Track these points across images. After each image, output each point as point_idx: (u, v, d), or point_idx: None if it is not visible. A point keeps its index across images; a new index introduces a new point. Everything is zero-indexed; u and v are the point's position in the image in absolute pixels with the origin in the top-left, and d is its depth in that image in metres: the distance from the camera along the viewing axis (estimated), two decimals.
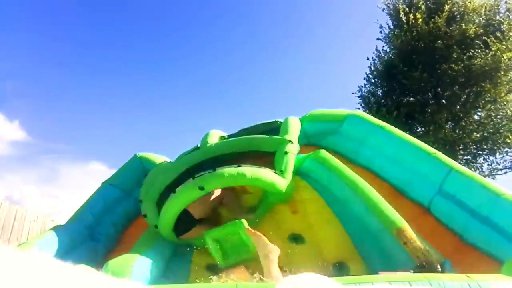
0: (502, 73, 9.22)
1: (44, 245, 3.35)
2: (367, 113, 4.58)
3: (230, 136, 4.33)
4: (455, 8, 9.98)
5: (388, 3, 10.89)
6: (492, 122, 9.70)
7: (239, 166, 3.34)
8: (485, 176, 9.39)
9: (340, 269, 3.09)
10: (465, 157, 9.82)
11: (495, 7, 9.87)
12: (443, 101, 10.12)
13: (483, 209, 2.87)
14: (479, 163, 10.01)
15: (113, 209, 4.19)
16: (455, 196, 3.11)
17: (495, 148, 9.66)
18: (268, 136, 3.93)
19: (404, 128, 3.97)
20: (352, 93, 11.59)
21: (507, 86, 9.43)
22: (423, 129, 10.09)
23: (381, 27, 11.03)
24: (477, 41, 9.48)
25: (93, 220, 3.97)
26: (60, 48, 21.74)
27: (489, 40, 9.17)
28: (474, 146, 9.86)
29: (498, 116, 9.72)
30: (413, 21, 9.99)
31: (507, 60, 9.05)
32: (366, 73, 11.35)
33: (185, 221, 3.50)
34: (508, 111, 9.56)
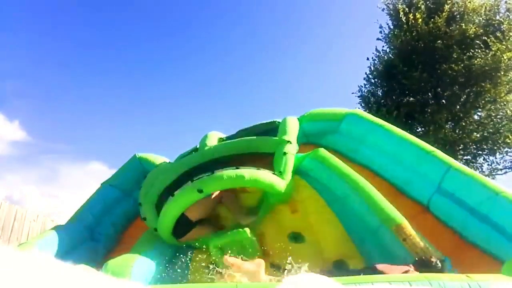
0: (502, 73, 9.22)
1: (44, 245, 3.35)
2: (368, 113, 4.57)
3: (228, 137, 4.32)
4: (455, 8, 9.98)
5: (388, 3, 10.90)
6: (492, 122, 9.69)
7: (237, 168, 3.34)
8: (485, 176, 9.36)
9: (340, 267, 3.10)
10: (465, 157, 9.82)
11: (495, 7, 9.87)
12: (443, 101, 10.12)
13: (482, 207, 2.87)
14: (479, 163, 10.02)
15: (113, 209, 4.19)
16: (454, 194, 3.11)
17: (495, 148, 9.66)
18: (266, 137, 3.93)
19: (404, 128, 3.97)
20: (352, 93, 11.61)
21: (507, 86, 9.43)
22: (423, 129, 10.09)
23: (381, 27, 11.04)
24: (477, 41, 9.48)
25: (93, 221, 3.98)
26: (60, 48, 21.75)
27: (489, 40, 9.17)
28: (474, 146, 9.86)
29: (498, 116, 9.72)
30: (413, 21, 9.99)
31: (507, 60, 9.05)
32: (366, 73, 11.36)
33: (184, 223, 3.50)
34: (508, 111, 9.55)
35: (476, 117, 10.03)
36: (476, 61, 9.23)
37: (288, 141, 3.74)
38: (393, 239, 2.89)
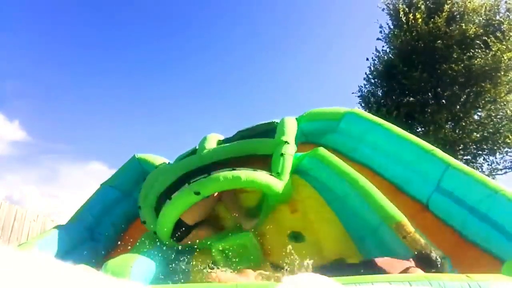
0: (502, 73, 9.21)
1: (44, 245, 3.36)
2: (368, 113, 4.57)
3: (227, 139, 4.32)
4: (455, 8, 9.97)
5: (388, 3, 10.89)
6: (492, 122, 9.69)
7: (234, 169, 3.34)
8: None
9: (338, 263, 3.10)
10: (465, 157, 9.81)
11: (495, 7, 9.86)
12: (443, 101, 10.12)
13: (482, 206, 2.87)
14: (479, 163, 10.01)
15: (113, 210, 4.21)
16: (453, 192, 3.11)
17: (495, 148, 9.65)
18: (264, 139, 3.93)
19: (404, 128, 3.97)
20: (352, 93, 11.60)
21: (507, 86, 9.42)
22: (423, 129, 10.09)
23: (381, 27, 11.04)
24: (477, 41, 9.47)
25: (93, 221, 3.99)
26: (60, 48, 21.75)
27: (489, 40, 9.17)
28: (474, 146, 9.85)
29: (498, 116, 9.71)
30: (413, 21, 9.99)
31: (507, 60, 9.05)
32: (366, 73, 11.36)
33: (182, 227, 3.50)
34: (508, 111, 9.55)
35: (476, 117, 10.03)
36: (476, 61, 9.23)
37: (286, 142, 3.74)
38: (393, 237, 2.89)
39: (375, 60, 11.22)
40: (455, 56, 9.49)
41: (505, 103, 9.57)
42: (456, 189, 3.10)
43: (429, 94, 10.34)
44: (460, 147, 9.75)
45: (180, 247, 3.61)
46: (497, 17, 9.78)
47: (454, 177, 3.14)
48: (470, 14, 9.79)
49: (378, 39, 11.18)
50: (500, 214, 2.74)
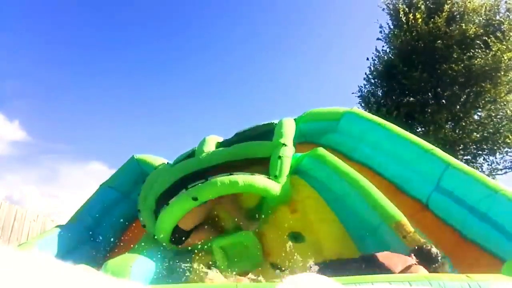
0: (502, 73, 9.21)
1: (44, 245, 3.36)
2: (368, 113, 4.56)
3: (225, 141, 4.31)
4: (455, 8, 9.97)
5: (388, 3, 10.88)
6: (492, 122, 9.68)
7: (231, 174, 3.34)
8: None
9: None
10: (465, 157, 9.80)
11: (495, 7, 9.86)
12: (443, 101, 10.11)
13: (481, 205, 2.87)
14: (479, 163, 10.00)
15: (112, 210, 4.22)
16: (453, 192, 3.12)
17: (495, 148, 9.64)
18: (261, 142, 3.92)
19: (404, 128, 3.96)
20: (352, 93, 11.58)
21: (507, 86, 9.42)
22: (423, 129, 10.08)
23: (381, 27, 11.03)
24: (477, 41, 9.47)
25: (93, 222, 4.00)
26: (60, 48, 21.75)
27: (489, 40, 9.16)
28: (474, 146, 9.85)
29: (498, 116, 9.70)
30: (413, 21, 9.99)
31: (507, 60, 9.04)
32: (366, 73, 11.34)
33: (180, 232, 3.50)
34: (508, 111, 9.54)
35: (476, 117, 10.03)
36: (476, 61, 9.23)
37: (284, 144, 3.73)
38: (393, 236, 2.90)
39: (375, 60, 11.21)
40: (455, 56, 9.48)
41: (505, 103, 9.56)
42: (456, 188, 3.10)
43: (429, 94, 10.34)
44: (460, 147, 9.74)
45: (180, 247, 3.61)
46: (497, 17, 9.78)
47: (454, 176, 3.14)
48: (470, 14, 9.78)
49: (378, 39, 11.18)
50: (500, 214, 2.74)
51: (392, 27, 10.85)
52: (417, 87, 9.98)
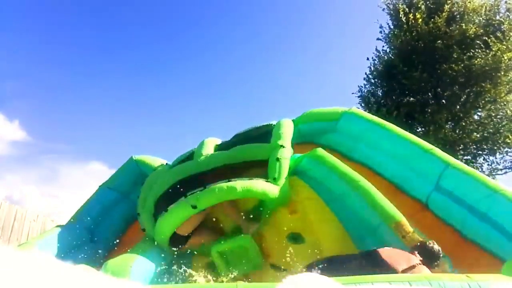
0: (502, 73, 9.21)
1: (44, 245, 3.36)
2: (367, 113, 4.56)
3: (224, 143, 4.29)
4: (455, 8, 9.96)
5: (388, 3, 10.88)
6: (492, 122, 9.68)
7: (229, 180, 3.34)
8: None
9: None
10: (465, 157, 9.79)
11: (495, 7, 9.86)
12: (443, 101, 10.11)
13: (481, 205, 2.87)
14: (479, 163, 9.99)
15: (111, 211, 4.24)
16: (453, 192, 3.11)
17: (495, 148, 9.64)
18: (259, 144, 3.90)
19: (404, 128, 3.96)
20: (352, 93, 11.58)
21: (507, 86, 9.41)
22: (423, 129, 10.08)
23: (381, 27, 11.02)
24: (477, 41, 9.46)
25: (92, 222, 4.01)
26: (60, 48, 21.74)
27: (489, 40, 9.16)
28: (474, 146, 9.84)
29: (498, 116, 9.70)
30: (413, 21, 9.98)
31: (507, 60, 9.04)
32: (366, 73, 11.34)
33: (179, 236, 3.49)
34: (508, 111, 9.54)
35: (476, 117, 10.02)
36: (476, 61, 9.22)
37: (282, 146, 3.72)
38: (393, 236, 2.90)
39: (375, 60, 11.21)
40: (455, 56, 9.48)
41: (505, 103, 9.56)
42: (456, 188, 3.10)
43: (429, 94, 10.33)
44: (460, 147, 9.74)
45: (179, 250, 3.61)
46: (497, 17, 9.77)
47: (454, 176, 3.14)
48: (470, 14, 9.78)
49: (378, 39, 11.17)
50: (500, 214, 2.74)
51: (392, 27, 10.84)
52: (417, 87, 9.98)
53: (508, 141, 9.33)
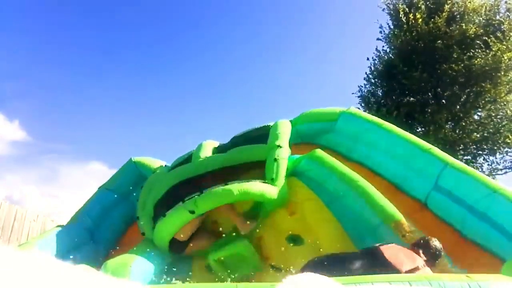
0: (502, 73, 9.21)
1: (44, 245, 3.36)
2: (368, 113, 4.56)
3: (222, 145, 4.28)
4: (455, 8, 9.96)
5: (388, 3, 10.88)
6: (492, 122, 9.68)
7: (226, 184, 3.32)
8: None
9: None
10: (465, 157, 9.79)
11: (495, 7, 9.85)
12: (443, 101, 10.11)
13: (480, 205, 2.86)
14: (479, 163, 9.99)
15: (111, 212, 4.25)
16: (452, 191, 3.11)
17: (495, 148, 9.64)
18: (256, 145, 3.89)
19: (404, 128, 3.95)
20: (352, 93, 11.58)
21: (507, 86, 9.41)
22: (423, 129, 10.08)
23: (381, 27, 11.02)
24: (477, 41, 9.46)
25: (92, 223, 4.02)
26: (60, 49, 21.75)
27: (489, 40, 9.16)
28: (474, 146, 9.84)
29: (498, 116, 9.70)
30: (413, 21, 9.98)
31: (507, 60, 9.04)
32: (366, 73, 11.34)
33: (178, 242, 3.48)
34: (508, 111, 9.54)
35: (476, 117, 10.02)
36: (476, 61, 9.22)
37: (279, 146, 3.70)
38: (393, 236, 2.89)
39: (375, 60, 11.21)
40: (455, 56, 9.48)
41: (505, 103, 9.56)
42: (454, 187, 3.10)
43: (429, 94, 10.33)
44: (460, 147, 9.74)
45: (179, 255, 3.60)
46: (497, 17, 9.77)
47: (452, 175, 3.14)
48: (470, 14, 9.78)
49: (378, 39, 11.17)
50: (499, 214, 2.73)
51: (392, 27, 10.84)
52: (417, 87, 9.98)
53: (508, 141, 9.33)
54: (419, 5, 10.11)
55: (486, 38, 9.26)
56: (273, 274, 3.35)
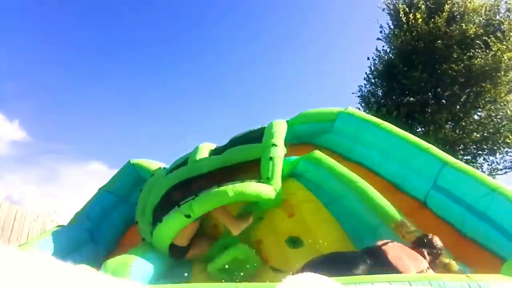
0: (502, 73, 9.20)
1: (44, 246, 3.37)
2: (367, 113, 4.56)
3: (218, 148, 4.27)
4: (455, 8, 9.96)
5: (388, 3, 10.87)
6: (492, 122, 9.68)
7: (219, 186, 3.28)
8: None
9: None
10: (465, 157, 9.79)
11: (495, 7, 9.85)
12: (443, 101, 10.11)
13: (480, 204, 2.86)
14: (479, 163, 9.99)
15: (110, 214, 4.26)
16: (451, 191, 3.11)
17: (495, 148, 9.64)
18: (251, 145, 3.87)
19: (404, 128, 3.95)
20: (352, 93, 11.57)
21: (507, 86, 9.41)
22: (423, 129, 10.08)
23: (381, 27, 11.02)
24: (477, 41, 9.46)
25: (92, 224, 4.03)
26: (60, 49, 21.75)
27: (489, 40, 9.16)
28: (474, 146, 9.84)
29: (498, 116, 9.70)
30: (413, 21, 9.98)
31: (507, 60, 9.03)
32: (366, 73, 11.33)
33: (177, 247, 3.46)
34: (508, 111, 9.54)
35: (476, 117, 10.02)
36: (476, 61, 9.22)
37: (274, 144, 3.67)
38: (393, 236, 2.89)
39: (375, 60, 11.21)
40: (455, 56, 9.48)
41: (505, 103, 9.56)
42: (453, 186, 3.10)
43: (429, 94, 10.33)
44: (460, 147, 9.74)
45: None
46: (497, 17, 9.77)
47: (451, 174, 3.13)
48: (470, 14, 9.78)
49: (378, 39, 11.17)
50: (498, 213, 2.73)
51: (392, 27, 10.84)
52: (417, 87, 9.98)
53: (508, 141, 9.33)
54: (419, 5, 10.11)
55: (486, 38, 9.26)
56: (273, 275, 3.35)
